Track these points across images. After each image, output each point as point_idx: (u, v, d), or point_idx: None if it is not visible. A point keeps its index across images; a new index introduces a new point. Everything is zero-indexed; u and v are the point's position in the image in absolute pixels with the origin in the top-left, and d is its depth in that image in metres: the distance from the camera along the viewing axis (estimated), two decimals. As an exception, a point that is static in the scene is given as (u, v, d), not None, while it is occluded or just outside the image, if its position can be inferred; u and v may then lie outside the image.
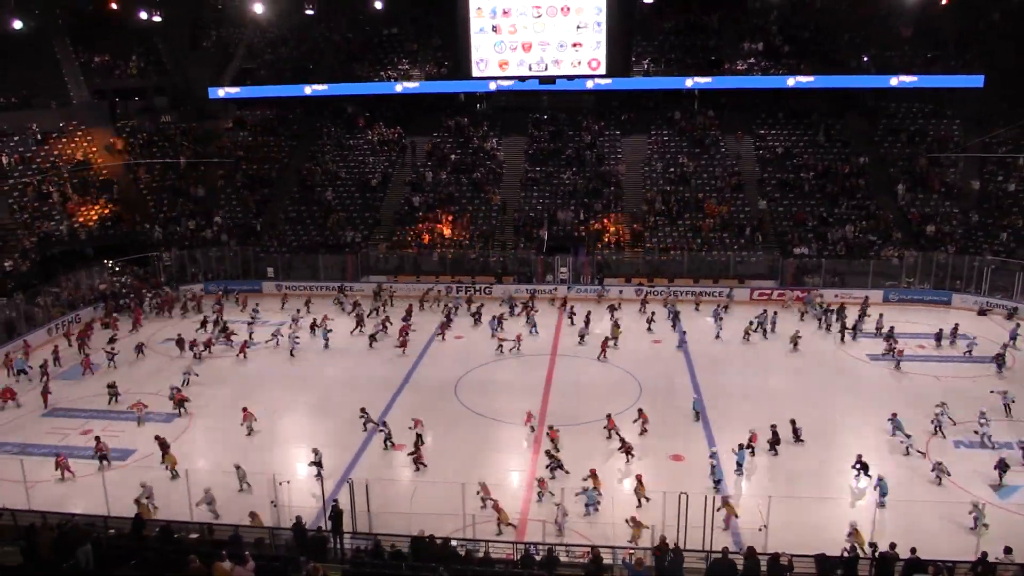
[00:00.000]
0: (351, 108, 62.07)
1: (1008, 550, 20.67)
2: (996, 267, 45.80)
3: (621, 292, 48.24)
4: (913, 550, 19.98)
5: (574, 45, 52.19)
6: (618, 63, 47.11)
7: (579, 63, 52.36)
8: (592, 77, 53.14)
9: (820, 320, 43.08)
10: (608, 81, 54.40)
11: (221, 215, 55.32)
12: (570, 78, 53.19)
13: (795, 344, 39.16)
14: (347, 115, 62.16)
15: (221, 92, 58.48)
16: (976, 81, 51.70)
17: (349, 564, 20.01)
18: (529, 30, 50.49)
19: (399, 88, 57.38)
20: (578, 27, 51.06)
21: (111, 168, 55.65)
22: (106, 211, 53.13)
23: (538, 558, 20.22)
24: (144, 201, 55.29)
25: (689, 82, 55.48)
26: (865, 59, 56.12)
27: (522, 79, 54.31)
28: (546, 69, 54.05)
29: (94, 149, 55.81)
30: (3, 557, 18.98)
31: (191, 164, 57.88)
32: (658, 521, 22.32)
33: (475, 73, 53.37)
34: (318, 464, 27.28)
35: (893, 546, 20.35)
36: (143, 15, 54.99)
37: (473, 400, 33.64)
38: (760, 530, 22.73)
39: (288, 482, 25.35)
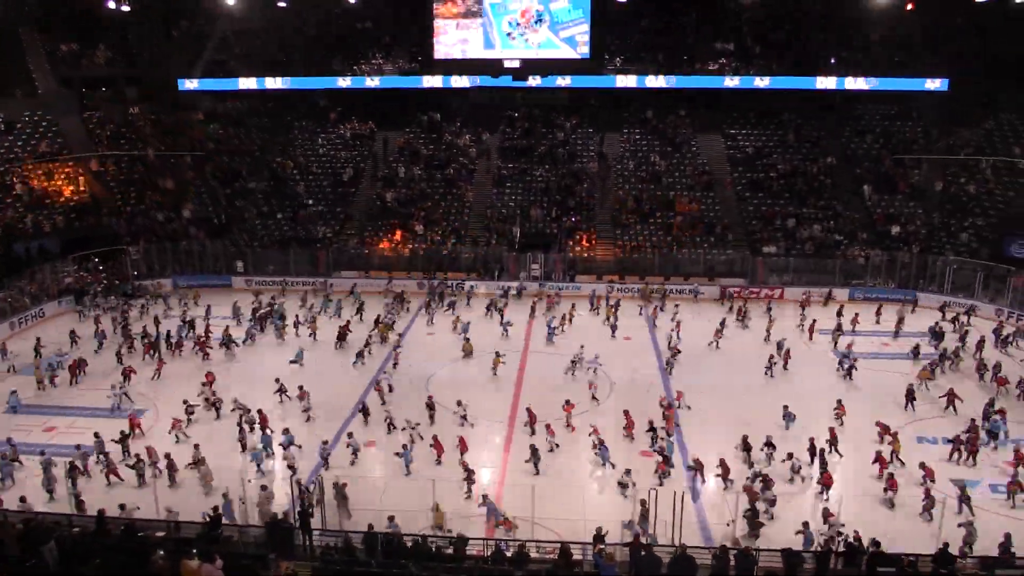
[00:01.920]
0: (323, 102, 61.69)
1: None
2: (958, 267, 46.64)
3: (595, 290, 48.24)
4: (877, 544, 20.33)
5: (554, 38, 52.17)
6: (594, 58, 47.62)
7: (557, 54, 52.59)
8: (568, 71, 53.78)
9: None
10: (568, 81, 55.00)
11: (190, 208, 54.71)
12: (544, 74, 53.86)
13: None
14: (319, 109, 61.78)
15: (191, 83, 57.94)
16: (940, 84, 52.55)
17: (319, 561, 19.93)
18: (503, 21, 50.75)
19: (371, 83, 57.24)
20: (559, 21, 51.58)
21: (78, 159, 54.81)
22: (72, 202, 52.33)
23: (508, 554, 20.30)
24: (111, 193, 54.56)
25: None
26: (832, 61, 56.77)
27: (494, 75, 54.97)
28: (520, 65, 54.70)
29: (60, 139, 54.94)
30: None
31: (161, 156, 57.20)
32: (628, 517, 22.52)
33: (439, 60, 53.48)
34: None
35: (858, 540, 20.72)
36: (112, 3, 54.13)
37: (445, 397, 33.54)
38: (728, 524, 23.02)
39: (255, 479, 25.26)
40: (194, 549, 17.32)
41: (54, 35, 58.77)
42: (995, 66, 51.24)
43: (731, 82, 55.31)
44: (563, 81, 55.39)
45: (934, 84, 52.65)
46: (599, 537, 20.74)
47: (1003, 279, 44.69)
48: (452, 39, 52.11)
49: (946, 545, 20.36)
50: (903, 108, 57.44)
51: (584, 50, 51.24)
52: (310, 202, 54.50)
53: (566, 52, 51.46)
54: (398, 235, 52.39)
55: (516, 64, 52.34)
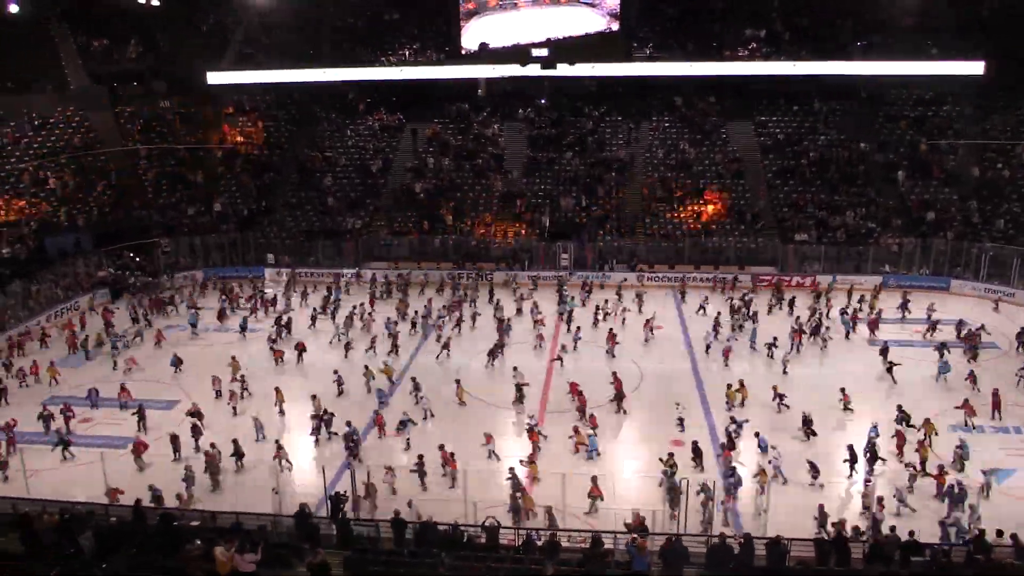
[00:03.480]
0: (351, 93, 61.86)
1: (999, 533, 20.80)
2: (993, 253, 45.79)
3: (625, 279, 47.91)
4: (911, 533, 20.10)
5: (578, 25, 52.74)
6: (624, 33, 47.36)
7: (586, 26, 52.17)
8: (598, 55, 54.30)
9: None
10: (596, 69, 55.14)
11: (221, 201, 55.15)
12: (573, 61, 54.23)
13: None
14: (347, 100, 61.94)
15: (220, 77, 58.28)
16: (976, 68, 51.69)
17: (351, 551, 20.01)
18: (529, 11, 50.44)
19: (399, 74, 57.46)
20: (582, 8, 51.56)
21: (109, 153, 55.45)
22: (104, 197, 52.97)
23: (539, 543, 20.27)
24: (143, 187, 55.13)
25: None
26: (859, 44, 56.02)
27: (523, 63, 55.27)
28: (548, 53, 54.64)
29: (92, 134, 55.59)
30: (6, 544, 18.99)
31: (191, 149, 57.66)
32: (659, 506, 22.40)
33: (467, 51, 54.76)
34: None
35: (893, 529, 20.49)
36: (141, -1, 54.69)
37: (476, 387, 33.55)
38: (760, 515, 22.85)
39: (290, 469, 25.45)
40: (236, 541, 17.45)
41: (85, 31, 59.45)
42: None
43: (761, 68, 54.90)
44: (591, 69, 55.34)
45: (970, 68, 51.80)
46: (634, 528, 20.64)
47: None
48: (480, 27, 52.60)
49: (982, 532, 20.09)
50: (937, 93, 56.41)
51: (614, 24, 51.92)
52: (330, 201, 54.61)
53: (595, 23, 52.18)
54: (426, 225, 52.44)
55: (544, 52, 52.44)
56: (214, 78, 58.07)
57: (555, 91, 60.41)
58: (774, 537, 19.59)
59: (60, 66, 57.34)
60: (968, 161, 52.68)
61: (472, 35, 54.38)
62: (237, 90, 61.32)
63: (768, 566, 19.14)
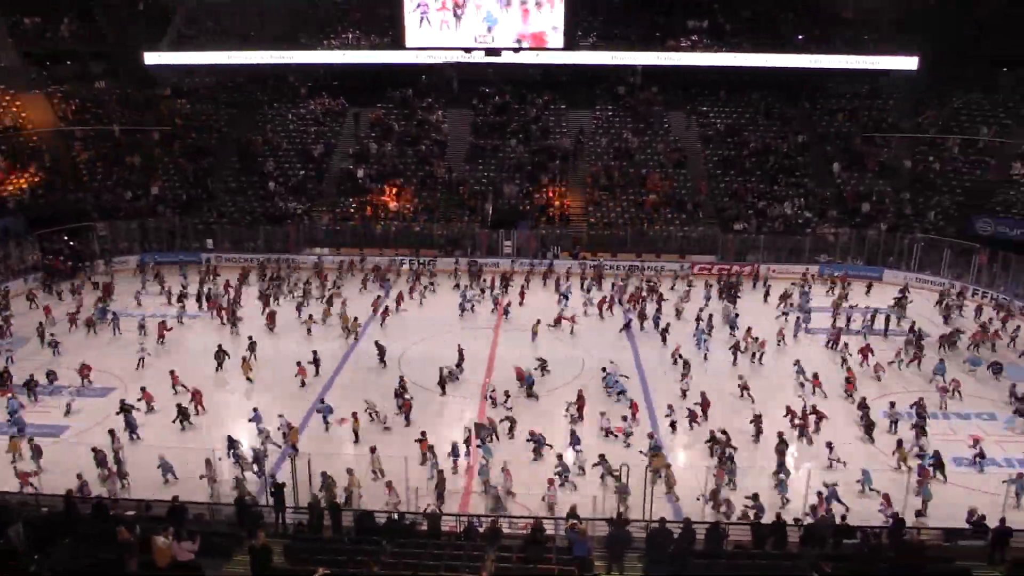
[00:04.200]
0: (293, 77, 60.94)
1: (919, 513, 21.66)
2: (924, 244, 47.19)
3: (568, 268, 48.27)
4: (843, 517, 20.74)
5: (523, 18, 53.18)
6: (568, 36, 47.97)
7: (527, 36, 53.67)
8: (542, 50, 54.86)
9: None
10: (541, 57, 55.30)
11: (158, 185, 53.94)
12: (517, 49, 54.57)
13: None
14: (289, 84, 61.01)
15: (158, 58, 57.03)
16: (910, 63, 53.22)
17: (291, 539, 19.92)
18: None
19: (343, 58, 57.03)
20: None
21: (42, 135, 53.79)
22: (36, 179, 51.40)
23: (481, 530, 20.41)
24: (77, 170, 53.64)
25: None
26: (799, 38, 57.11)
27: (467, 50, 55.29)
28: (493, 41, 55.50)
29: (24, 114, 53.86)
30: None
31: (127, 132, 56.21)
32: (598, 492, 22.72)
33: (411, 43, 55.15)
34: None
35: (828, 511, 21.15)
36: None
37: (416, 373, 33.51)
38: (698, 499, 23.29)
39: (227, 457, 25.17)
40: (170, 528, 17.20)
41: (16, 8, 57.41)
42: (963, 45, 51.76)
43: (702, 59, 55.73)
44: (536, 57, 55.65)
45: (905, 63, 53.31)
46: (572, 514, 20.90)
47: (968, 255, 45.35)
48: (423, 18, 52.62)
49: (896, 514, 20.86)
50: (873, 86, 57.80)
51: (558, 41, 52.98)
52: (272, 185, 53.85)
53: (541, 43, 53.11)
54: (369, 210, 52.07)
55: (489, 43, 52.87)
56: (152, 59, 56.84)
57: (500, 79, 60.35)
58: (712, 522, 20.04)
59: (-11, 43, 55.47)
60: (901, 154, 54.12)
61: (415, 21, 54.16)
62: (176, 72, 59.97)
63: (706, 550, 19.56)
